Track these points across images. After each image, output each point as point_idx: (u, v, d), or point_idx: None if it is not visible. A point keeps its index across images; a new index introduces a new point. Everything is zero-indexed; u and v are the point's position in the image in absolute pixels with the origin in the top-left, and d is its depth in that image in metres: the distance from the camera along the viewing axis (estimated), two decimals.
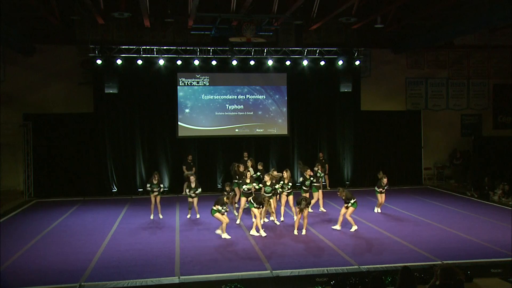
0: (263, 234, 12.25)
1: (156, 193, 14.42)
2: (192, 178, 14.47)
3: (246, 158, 18.15)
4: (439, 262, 9.75)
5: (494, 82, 22.12)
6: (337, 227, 12.95)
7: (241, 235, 12.34)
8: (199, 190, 14.42)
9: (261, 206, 12.49)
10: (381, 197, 15.02)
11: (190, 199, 14.47)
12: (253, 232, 12.40)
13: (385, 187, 14.92)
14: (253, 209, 12.52)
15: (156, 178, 14.44)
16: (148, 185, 14.59)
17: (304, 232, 12.42)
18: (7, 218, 14.94)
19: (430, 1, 15.59)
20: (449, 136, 21.76)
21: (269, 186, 13.48)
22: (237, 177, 15.69)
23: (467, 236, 12.06)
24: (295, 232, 12.42)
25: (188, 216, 14.66)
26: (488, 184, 18.12)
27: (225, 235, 12.08)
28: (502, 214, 14.89)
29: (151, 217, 14.46)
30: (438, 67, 21.80)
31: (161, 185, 14.72)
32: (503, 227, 13.11)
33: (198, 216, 14.55)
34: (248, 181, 13.82)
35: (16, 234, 12.86)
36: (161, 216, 14.63)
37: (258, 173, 16.14)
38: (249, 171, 14.66)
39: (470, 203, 16.82)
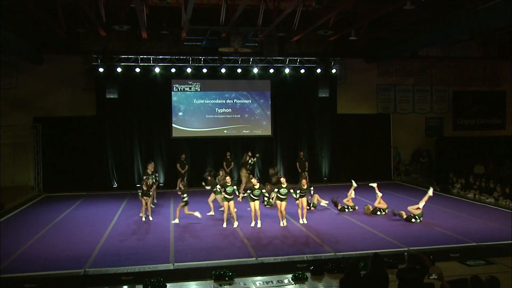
0: (234, 225, 12.19)
1: (148, 198, 13.06)
2: (149, 181, 13.19)
3: (228, 157, 18.13)
4: (406, 249, 9.84)
5: (454, 89, 22.37)
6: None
7: (229, 226, 12.29)
8: (151, 192, 13.33)
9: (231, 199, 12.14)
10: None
11: (145, 198, 13.01)
12: (225, 225, 12.21)
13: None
14: (225, 203, 12.24)
15: (147, 184, 12.97)
16: (139, 191, 13.12)
17: (284, 223, 12.31)
18: (19, 211, 14.86)
19: (397, 17, 15.73)
20: (415, 137, 21.93)
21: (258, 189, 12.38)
22: (247, 166, 16.70)
23: (430, 225, 12.19)
24: (280, 224, 12.32)
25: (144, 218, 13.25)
26: (452, 179, 18.23)
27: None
28: (461, 205, 15.12)
29: (143, 219, 13.12)
30: (405, 75, 21.96)
31: (156, 178, 14.15)
32: (461, 216, 13.32)
33: (151, 218, 13.30)
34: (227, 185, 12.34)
35: (27, 225, 12.77)
36: (155, 201, 14.52)
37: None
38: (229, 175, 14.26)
39: (433, 196, 16.85)
